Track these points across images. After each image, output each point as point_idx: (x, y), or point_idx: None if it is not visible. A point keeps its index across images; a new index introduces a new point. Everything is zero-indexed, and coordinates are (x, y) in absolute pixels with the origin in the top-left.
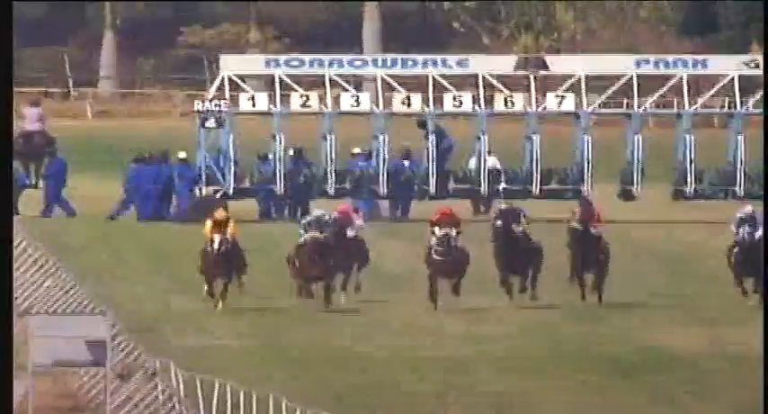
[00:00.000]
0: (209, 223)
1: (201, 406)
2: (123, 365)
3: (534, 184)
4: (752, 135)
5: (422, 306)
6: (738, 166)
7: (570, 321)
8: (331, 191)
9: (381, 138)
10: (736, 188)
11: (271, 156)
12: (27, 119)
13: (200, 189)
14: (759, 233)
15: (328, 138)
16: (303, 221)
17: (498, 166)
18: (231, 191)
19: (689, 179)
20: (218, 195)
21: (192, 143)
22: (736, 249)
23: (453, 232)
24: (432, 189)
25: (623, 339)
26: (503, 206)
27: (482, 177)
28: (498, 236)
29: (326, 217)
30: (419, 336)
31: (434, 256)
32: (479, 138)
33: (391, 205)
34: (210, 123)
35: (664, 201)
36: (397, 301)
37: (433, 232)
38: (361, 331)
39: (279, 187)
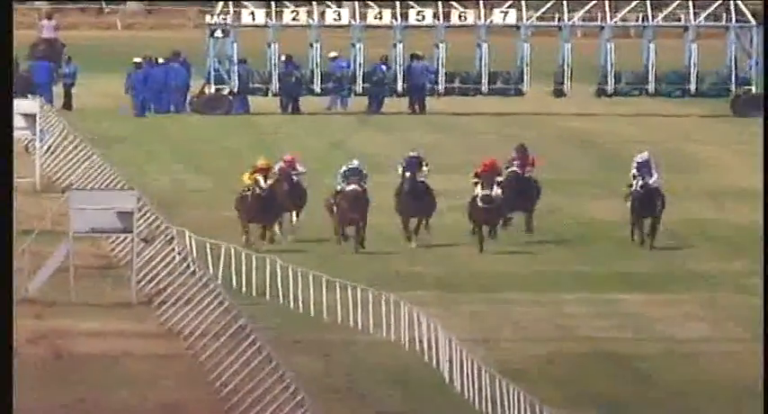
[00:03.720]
0: (248, 173)
1: (210, 265)
2: (147, 232)
3: (483, 84)
4: (661, 43)
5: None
6: (650, 68)
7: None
8: (317, 89)
9: (358, 46)
10: (648, 86)
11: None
12: (44, 29)
13: (210, 87)
14: (654, 178)
15: (314, 46)
16: (341, 170)
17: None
18: (236, 89)
19: (609, 79)
20: (224, 92)
21: (203, 50)
22: (632, 195)
23: (497, 190)
24: (399, 88)
25: (561, 214)
26: (411, 154)
27: (440, 78)
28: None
29: (363, 168)
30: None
31: (479, 205)
32: (437, 46)
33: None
34: (218, 34)
35: (589, 97)
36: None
37: (477, 184)
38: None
39: (274, 86)
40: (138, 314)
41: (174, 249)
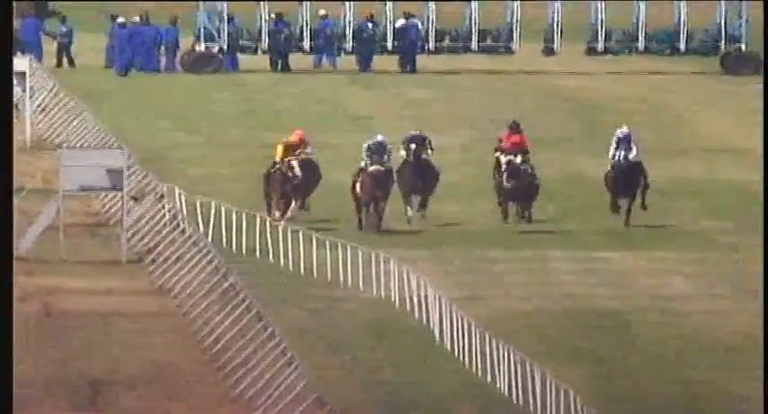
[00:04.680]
0: (281, 146)
1: (200, 222)
2: (137, 190)
3: (473, 42)
4: (652, 1)
5: None
6: (640, 26)
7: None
8: (306, 47)
9: (348, 4)
10: (638, 44)
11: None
12: None
13: (200, 45)
14: (633, 153)
15: (304, 4)
16: (365, 146)
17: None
18: (225, 47)
19: (600, 38)
20: (214, 50)
21: (194, 6)
22: (611, 171)
23: (518, 159)
24: (389, 46)
25: (551, 168)
26: (413, 132)
27: (430, 36)
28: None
29: (387, 144)
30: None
31: (505, 183)
32: (427, 4)
33: (357, 59)
34: None
35: (579, 56)
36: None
37: (499, 159)
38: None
39: (264, 43)
40: (128, 272)
41: (163, 207)
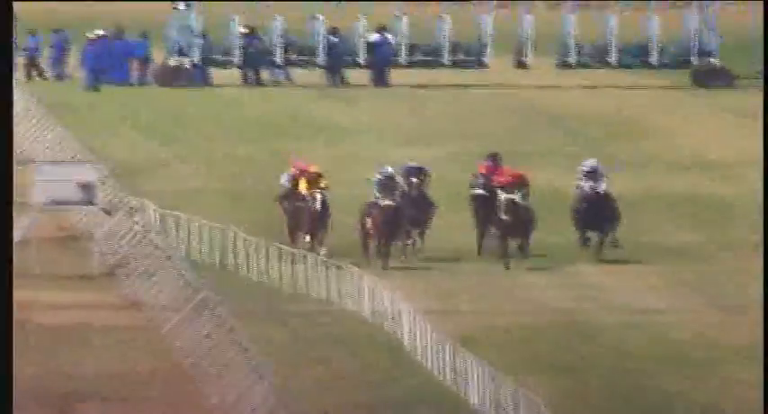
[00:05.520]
0: (304, 180)
1: (172, 236)
2: (109, 204)
3: (444, 56)
4: (623, 15)
5: None
6: (612, 40)
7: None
8: (279, 61)
9: (320, 17)
10: (610, 58)
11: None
12: None
13: (172, 59)
14: (603, 186)
15: (278, 18)
16: (375, 180)
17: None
18: (197, 61)
19: (571, 52)
20: (186, 64)
21: (165, 22)
22: (579, 204)
23: (518, 196)
24: (361, 61)
25: None
26: (410, 163)
27: (403, 50)
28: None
29: (398, 178)
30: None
31: (502, 217)
32: (399, 18)
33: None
34: (180, 6)
35: (550, 70)
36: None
37: (499, 194)
38: None
39: (236, 58)
40: (99, 286)
41: (136, 221)
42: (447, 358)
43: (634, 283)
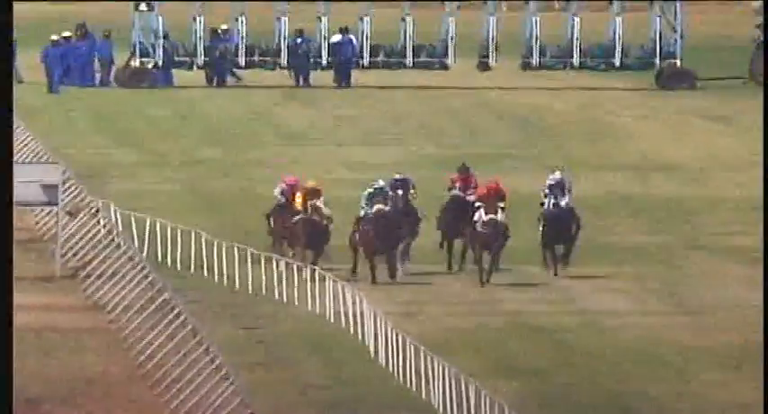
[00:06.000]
0: (300, 194)
1: (135, 238)
2: (72, 205)
3: (408, 57)
4: (587, 17)
5: None
6: (575, 42)
7: None
8: (242, 62)
9: (283, 19)
10: (573, 60)
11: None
12: None
13: (135, 60)
14: (566, 200)
15: (240, 19)
16: (365, 193)
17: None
18: (160, 62)
19: (534, 53)
20: (149, 66)
21: (128, 23)
22: (544, 219)
23: (500, 216)
24: (324, 62)
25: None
26: (397, 176)
27: (365, 51)
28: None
29: (388, 189)
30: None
31: (481, 230)
32: (362, 19)
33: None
34: (143, 7)
35: (514, 71)
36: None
37: (478, 210)
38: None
39: (199, 60)
40: (62, 288)
41: (99, 222)
42: (410, 360)
43: (595, 285)
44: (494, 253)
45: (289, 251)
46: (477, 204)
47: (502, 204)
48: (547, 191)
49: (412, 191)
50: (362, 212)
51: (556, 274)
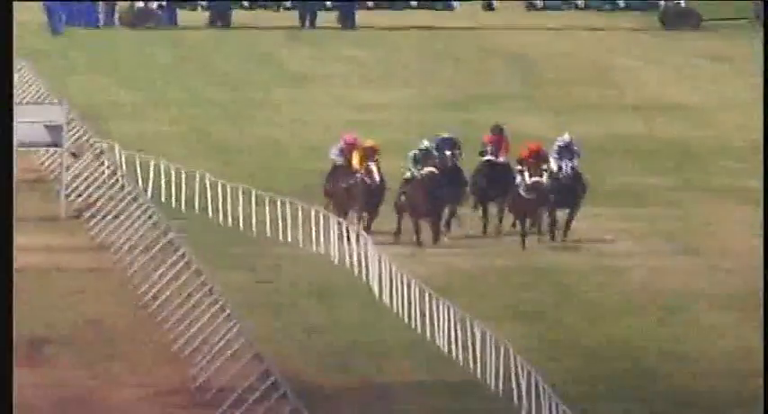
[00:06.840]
0: (357, 153)
1: (139, 178)
2: (76, 146)
3: None
4: None
5: None
6: None
7: None
8: (246, 3)
9: None
10: (578, 0)
11: None
12: None
13: (138, 1)
14: (575, 163)
15: None
16: (410, 154)
17: None
18: (164, 2)
19: None
20: (153, 6)
21: None
22: (554, 183)
23: (544, 178)
24: (329, 3)
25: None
26: (444, 135)
27: None
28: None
29: (433, 149)
30: None
31: (523, 195)
32: None
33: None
34: None
35: (519, 12)
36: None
37: (522, 173)
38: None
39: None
40: (67, 228)
41: (103, 163)
42: (415, 302)
43: (600, 227)
44: (535, 218)
45: (344, 213)
46: (519, 168)
47: (545, 167)
48: (556, 155)
49: (458, 151)
50: (409, 174)
51: (553, 239)
